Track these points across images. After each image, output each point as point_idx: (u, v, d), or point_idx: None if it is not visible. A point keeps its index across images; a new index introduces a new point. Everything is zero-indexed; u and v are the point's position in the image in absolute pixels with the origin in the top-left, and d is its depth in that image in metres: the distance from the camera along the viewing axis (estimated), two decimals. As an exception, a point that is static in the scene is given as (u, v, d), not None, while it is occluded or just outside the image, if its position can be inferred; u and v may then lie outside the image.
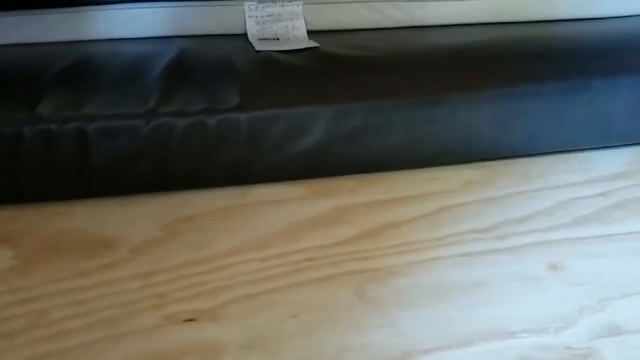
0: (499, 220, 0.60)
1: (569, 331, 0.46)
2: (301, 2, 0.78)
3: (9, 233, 0.54)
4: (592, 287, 0.51)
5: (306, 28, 0.77)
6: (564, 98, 0.70)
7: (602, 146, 0.74)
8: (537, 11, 0.91)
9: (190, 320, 0.48)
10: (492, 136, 0.68)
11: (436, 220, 0.59)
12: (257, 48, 0.70)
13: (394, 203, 0.62)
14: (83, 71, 0.62)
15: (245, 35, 0.76)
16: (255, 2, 0.76)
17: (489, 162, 0.71)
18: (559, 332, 0.46)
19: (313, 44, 0.73)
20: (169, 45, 0.70)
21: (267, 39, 0.75)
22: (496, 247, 0.56)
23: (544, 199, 0.63)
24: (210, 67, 0.64)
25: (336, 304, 0.49)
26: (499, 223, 0.59)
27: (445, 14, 0.88)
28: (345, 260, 0.54)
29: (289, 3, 0.78)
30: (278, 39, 0.75)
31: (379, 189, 0.64)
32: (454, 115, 0.66)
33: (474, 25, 0.89)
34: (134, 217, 0.57)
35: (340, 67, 0.70)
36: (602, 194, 0.64)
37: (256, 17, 0.76)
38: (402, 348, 0.44)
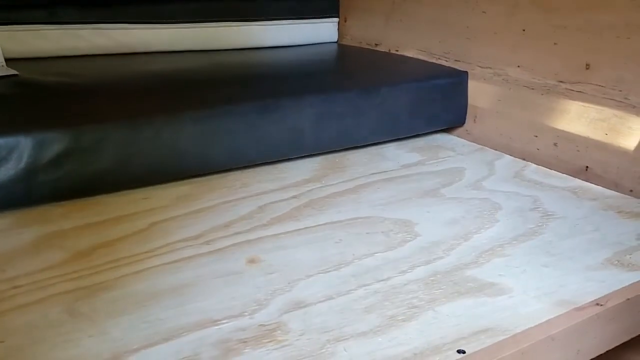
0: (206, 228, 0.66)
1: (262, 312, 0.52)
2: (-5, 30, 0.76)
3: None
4: (283, 273, 0.58)
5: (3, 56, 0.75)
6: (259, 116, 0.80)
7: (295, 156, 0.87)
8: (236, 40, 1.02)
9: None
10: (197, 154, 0.75)
11: (147, 235, 0.64)
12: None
13: (106, 224, 0.65)
14: None
15: None
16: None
17: (198, 178, 0.78)
18: (254, 313, 0.52)
19: (11, 71, 0.72)
20: None
21: (-42, 68, 0.71)
22: (203, 251, 0.62)
23: (246, 206, 0.72)
24: None
25: (45, 324, 0.49)
26: (206, 231, 0.66)
27: (151, 41, 0.92)
28: (55, 282, 0.55)
29: (-18, 31, 0.75)
30: (-29, 68, 0.72)
31: (90, 213, 0.66)
32: (159, 135, 0.71)
33: (181, 53, 0.96)
34: None
35: (43, 95, 0.70)
36: (294, 197, 0.75)
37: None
38: (112, 351, 0.46)
